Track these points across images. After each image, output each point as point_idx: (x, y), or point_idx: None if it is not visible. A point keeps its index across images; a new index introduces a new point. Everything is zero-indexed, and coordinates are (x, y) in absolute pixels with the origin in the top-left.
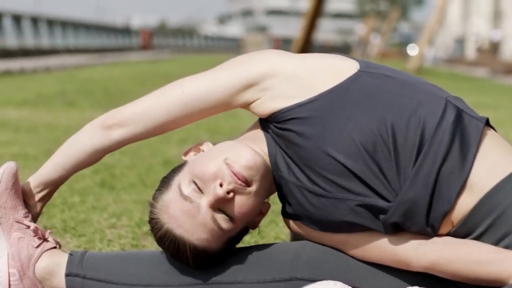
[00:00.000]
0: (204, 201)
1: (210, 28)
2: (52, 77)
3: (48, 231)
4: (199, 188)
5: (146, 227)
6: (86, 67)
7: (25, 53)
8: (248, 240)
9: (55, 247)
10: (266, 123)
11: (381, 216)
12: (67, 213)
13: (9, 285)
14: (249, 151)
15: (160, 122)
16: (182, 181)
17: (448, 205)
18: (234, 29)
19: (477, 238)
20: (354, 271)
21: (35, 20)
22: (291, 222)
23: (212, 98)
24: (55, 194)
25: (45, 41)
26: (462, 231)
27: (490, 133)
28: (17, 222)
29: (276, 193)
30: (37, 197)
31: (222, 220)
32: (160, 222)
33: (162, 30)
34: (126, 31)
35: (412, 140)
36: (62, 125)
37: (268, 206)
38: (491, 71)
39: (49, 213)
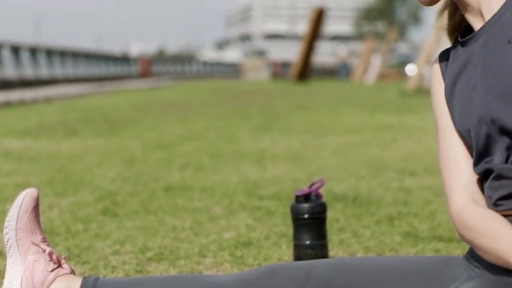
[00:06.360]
0: None
1: (209, 54)
2: (52, 107)
3: (63, 257)
4: None
5: (150, 253)
6: (86, 96)
7: (24, 83)
8: (251, 262)
9: (69, 274)
10: None
11: None
12: (70, 241)
13: None
14: None
15: None
16: None
17: None
18: (232, 54)
19: None
20: (365, 286)
21: (33, 51)
22: None
23: None
24: (58, 222)
25: (44, 71)
26: None
27: None
28: (34, 244)
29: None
30: None
31: None
32: None
33: (160, 57)
34: (125, 59)
35: None
36: (64, 153)
37: None
38: None
39: (52, 241)
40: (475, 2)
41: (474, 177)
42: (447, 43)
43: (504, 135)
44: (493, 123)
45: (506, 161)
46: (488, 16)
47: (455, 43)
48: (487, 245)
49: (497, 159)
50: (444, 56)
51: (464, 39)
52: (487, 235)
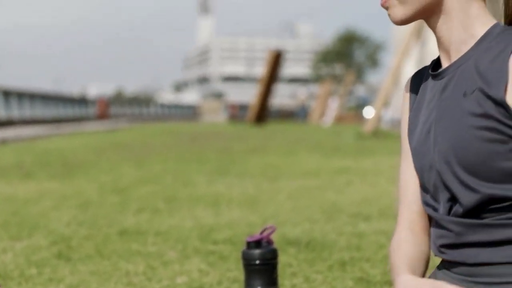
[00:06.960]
0: None
1: (167, 96)
2: (8, 148)
3: None
4: None
5: None
6: (43, 138)
7: None
8: None
9: None
10: None
11: None
12: (24, 286)
13: None
14: None
15: None
16: None
17: None
18: (190, 96)
19: None
20: None
21: None
22: None
23: None
24: (12, 266)
25: (1, 112)
26: None
27: None
28: None
29: None
30: None
31: None
32: None
33: (118, 98)
34: (82, 100)
35: None
36: (20, 196)
37: None
38: None
39: (6, 286)
40: (446, 38)
41: (420, 209)
42: (403, 85)
43: (446, 189)
44: (438, 174)
45: (449, 212)
46: (454, 57)
47: (428, 72)
48: (392, 275)
49: (441, 209)
50: (416, 82)
51: (434, 72)
52: (393, 266)
